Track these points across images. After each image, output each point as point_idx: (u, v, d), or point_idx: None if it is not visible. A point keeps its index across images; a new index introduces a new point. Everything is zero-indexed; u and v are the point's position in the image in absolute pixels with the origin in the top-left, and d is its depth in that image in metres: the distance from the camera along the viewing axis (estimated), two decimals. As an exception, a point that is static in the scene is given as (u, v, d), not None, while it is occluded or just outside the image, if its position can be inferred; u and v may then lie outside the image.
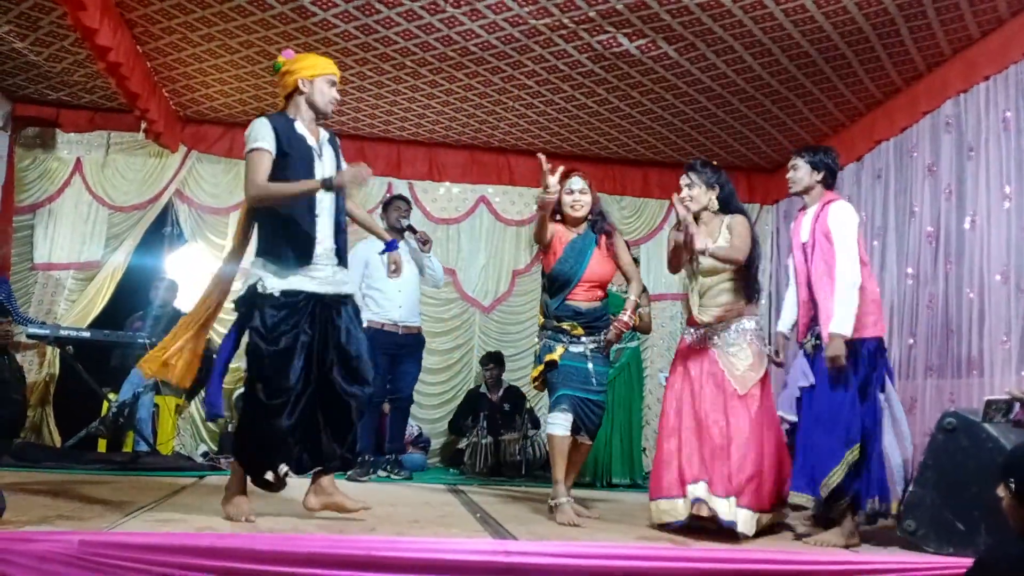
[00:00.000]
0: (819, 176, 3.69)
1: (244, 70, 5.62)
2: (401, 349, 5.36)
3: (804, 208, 3.78)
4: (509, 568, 2.53)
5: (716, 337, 3.64)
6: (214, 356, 3.61)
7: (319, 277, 3.22)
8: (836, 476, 3.36)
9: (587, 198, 3.85)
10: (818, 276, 3.58)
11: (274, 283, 3.15)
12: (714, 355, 3.62)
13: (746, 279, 3.71)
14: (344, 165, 3.41)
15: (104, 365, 5.83)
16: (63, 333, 5.52)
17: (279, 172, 3.19)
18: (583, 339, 3.75)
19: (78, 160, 6.50)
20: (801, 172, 3.73)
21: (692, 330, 3.75)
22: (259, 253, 3.26)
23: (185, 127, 6.61)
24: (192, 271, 6.65)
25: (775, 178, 7.14)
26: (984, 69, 4.64)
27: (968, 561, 2.43)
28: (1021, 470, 2.33)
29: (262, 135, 3.18)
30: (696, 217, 3.72)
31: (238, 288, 3.51)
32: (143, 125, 5.87)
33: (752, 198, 7.28)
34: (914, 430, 4.81)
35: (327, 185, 3.15)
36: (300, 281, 3.18)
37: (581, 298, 3.79)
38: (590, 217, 3.89)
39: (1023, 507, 2.29)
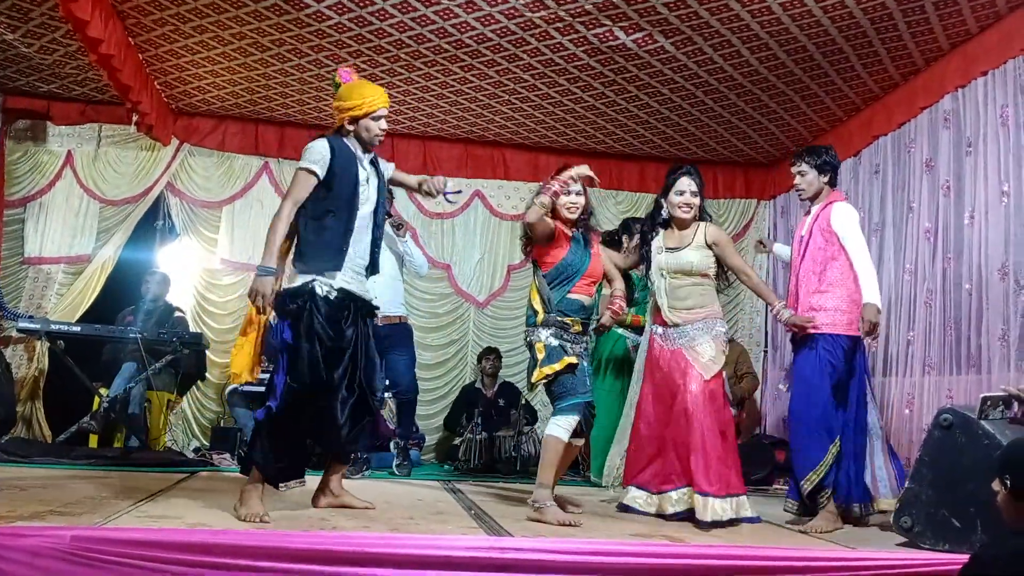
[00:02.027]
0: (826, 179, 3.82)
1: (237, 62, 5.58)
2: (381, 341, 5.30)
3: (809, 211, 3.86)
4: (504, 564, 2.51)
5: (683, 337, 3.80)
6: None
7: (358, 282, 3.37)
8: (821, 471, 3.57)
9: (582, 200, 3.81)
10: (805, 271, 3.72)
11: (327, 283, 3.24)
12: (680, 352, 3.79)
13: (716, 282, 3.91)
14: (385, 181, 3.56)
15: (95, 360, 5.80)
16: (53, 328, 5.48)
17: (323, 207, 3.28)
18: (579, 337, 3.74)
19: (69, 153, 6.46)
20: (810, 177, 3.83)
21: (660, 329, 3.90)
22: (309, 254, 3.29)
23: (177, 120, 6.57)
24: (184, 265, 6.62)
25: (772, 173, 7.14)
26: (982, 64, 4.63)
27: (964, 557, 2.42)
28: (1016, 466, 2.33)
29: (315, 158, 3.27)
30: (688, 223, 3.90)
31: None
32: (135, 118, 5.81)
33: (749, 193, 7.28)
34: (912, 426, 4.85)
35: (261, 271, 3.18)
36: (346, 283, 3.30)
37: (584, 292, 3.76)
38: (581, 218, 3.87)
39: (1018, 503, 2.28)
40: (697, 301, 3.82)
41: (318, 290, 3.22)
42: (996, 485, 2.33)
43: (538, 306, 3.74)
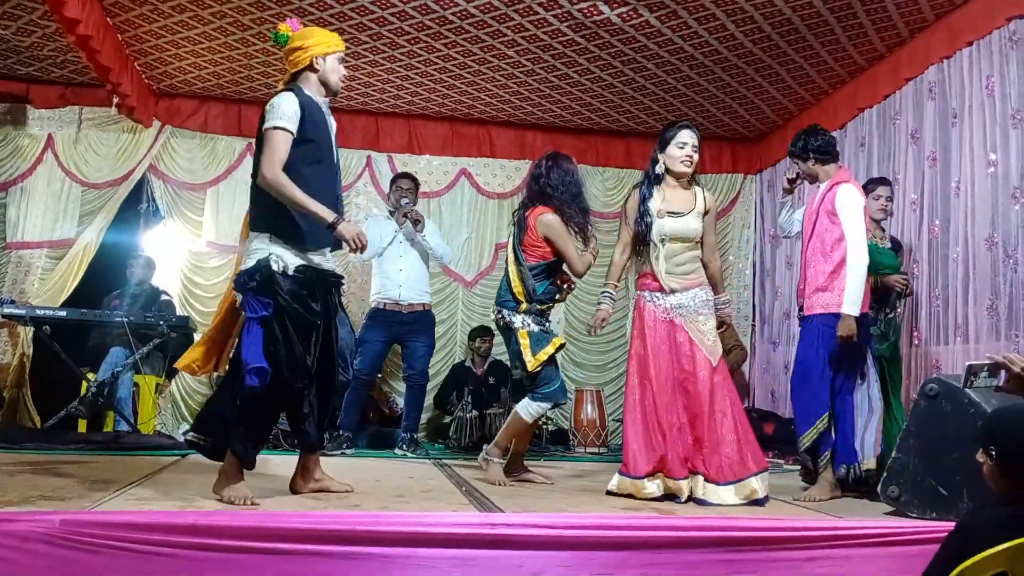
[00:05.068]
0: (812, 161, 3.85)
1: (217, 41, 5.50)
2: (405, 327, 5.39)
3: (818, 189, 3.94)
4: (494, 540, 2.52)
5: (681, 306, 3.62)
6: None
7: (322, 255, 3.21)
8: (808, 438, 3.68)
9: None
10: (812, 252, 3.75)
11: (290, 260, 3.06)
12: (679, 324, 3.59)
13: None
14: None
15: (82, 345, 5.76)
16: (39, 313, 5.43)
17: (310, 158, 3.10)
18: (547, 314, 3.96)
19: (50, 136, 6.37)
20: (803, 167, 3.93)
21: (653, 296, 3.66)
22: (264, 229, 3.10)
23: (159, 101, 6.49)
24: (169, 248, 6.57)
25: (759, 147, 7.13)
26: (967, 34, 4.62)
27: (950, 525, 2.44)
28: (1001, 435, 2.32)
29: (288, 113, 3.03)
30: (687, 185, 3.76)
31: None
32: (115, 100, 5.75)
33: (736, 168, 7.27)
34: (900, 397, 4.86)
35: (330, 226, 3.02)
36: (308, 258, 3.12)
37: (560, 280, 4.04)
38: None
39: (1002, 472, 2.28)
40: (692, 267, 3.68)
41: (275, 266, 3.01)
42: (981, 456, 2.34)
43: (520, 296, 3.88)
